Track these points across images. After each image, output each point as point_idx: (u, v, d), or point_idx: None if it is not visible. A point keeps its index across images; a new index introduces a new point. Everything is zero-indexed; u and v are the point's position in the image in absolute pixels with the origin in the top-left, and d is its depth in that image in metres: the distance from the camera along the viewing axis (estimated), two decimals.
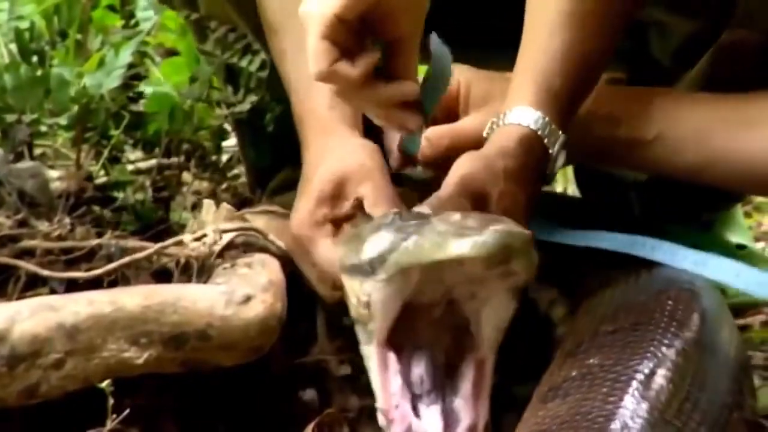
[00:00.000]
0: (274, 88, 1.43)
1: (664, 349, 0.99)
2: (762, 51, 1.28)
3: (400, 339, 0.97)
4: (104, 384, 1.01)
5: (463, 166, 1.10)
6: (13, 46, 1.49)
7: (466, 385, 0.95)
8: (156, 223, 1.43)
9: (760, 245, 1.98)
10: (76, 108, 1.45)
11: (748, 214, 2.25)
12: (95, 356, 1.03)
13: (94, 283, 1.16)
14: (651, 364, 0.96)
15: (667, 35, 1.40)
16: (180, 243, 1.22)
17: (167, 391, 1.12)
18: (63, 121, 1.45)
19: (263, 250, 1.25)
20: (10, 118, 1.43)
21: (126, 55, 1.46)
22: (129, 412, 1.02)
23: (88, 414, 1.02)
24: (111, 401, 1.00)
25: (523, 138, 1.12)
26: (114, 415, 1.00)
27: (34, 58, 1.47)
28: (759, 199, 2.26)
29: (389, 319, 0.95)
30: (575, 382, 0.97)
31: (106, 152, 1.51)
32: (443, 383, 0.96)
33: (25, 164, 1.41)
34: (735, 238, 1.72)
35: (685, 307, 1.08)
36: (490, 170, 1.09)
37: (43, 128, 1.48)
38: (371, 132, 1.29)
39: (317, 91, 1.26)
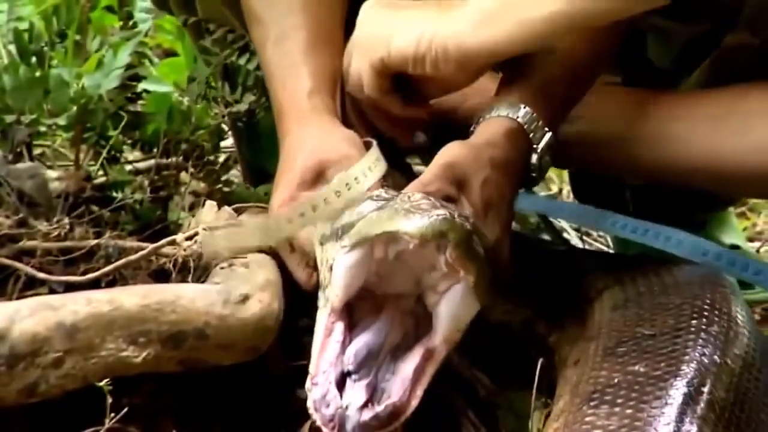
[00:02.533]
0: None
1: (706, 361, 1.00)
2: (763, 55, 1.29)
3: (359, 318, 1.02)
4: (103, 383, 1.01)
5: (448, 154, 1.12)
6: (13, 47, 1.50)
7: (407, 368, 0.97)
8: (154, 223, 1.43)
9: (754, 245, 2.00)
10: (74, 108, 1.45)
11: (743, 215, 2.26)
12: (94, 355, 1.03)
13: (93, 283, 1.17)
14: (696, 382, 0.97)
15: (666, 41, 1.41)
16: (173, 242, 1.23)
17: (165, 391, 1.13)
18: (62, 121, 1.45)
19: (260, 249, 1.25)
20: (10, 118, 1.43)
21: (124, 56, 1.46)
22: (127, 411, 1.02)
23: (86, 413, 1.02)
24: (109, 400, 1.01)
25: (509, 131, 1.14)
26: (112, 414, 1.01)
27: (33, 59, 1.48)
28: (753, 200, 2.27)
29: (347, 288, 1.00)
30: (622, 390, 0.98)
31: (104, 152, 1.52)
32: (381, 363, 0.99)
33: (24, 164, 1.42)
34: (728, 238, 1.73)
35: (720, 313, 1.09)
36: (476, 158, 1.10)
37: (42, 128, 1.48)
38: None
39: (297, 78, 1.27)
